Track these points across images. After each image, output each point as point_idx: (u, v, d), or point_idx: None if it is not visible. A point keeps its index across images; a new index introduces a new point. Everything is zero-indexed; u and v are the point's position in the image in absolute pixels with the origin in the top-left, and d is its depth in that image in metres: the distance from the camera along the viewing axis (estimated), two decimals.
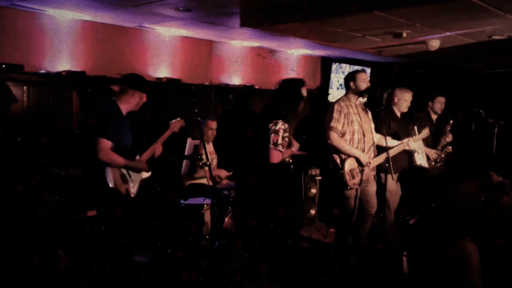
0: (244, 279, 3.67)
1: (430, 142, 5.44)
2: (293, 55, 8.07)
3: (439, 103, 5.48)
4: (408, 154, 5.22)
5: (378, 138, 4.72)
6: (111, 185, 3.55)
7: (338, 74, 8.30)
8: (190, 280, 3.84)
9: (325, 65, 8.39)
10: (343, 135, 4.48)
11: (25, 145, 4.76)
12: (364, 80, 4.55)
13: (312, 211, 6.19)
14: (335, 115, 4.46)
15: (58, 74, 5.14)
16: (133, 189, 3.76)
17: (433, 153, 5.38)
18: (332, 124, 4.44)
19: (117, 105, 3.75)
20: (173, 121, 4.27)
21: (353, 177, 4.47)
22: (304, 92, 4.13)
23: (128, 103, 3.78)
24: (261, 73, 7.46)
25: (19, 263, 1.87)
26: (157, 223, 4.28)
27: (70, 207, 4.61)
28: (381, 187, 4.95)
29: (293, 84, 4.16)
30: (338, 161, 4.50)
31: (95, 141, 3.49)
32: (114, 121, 3.61)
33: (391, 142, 4.72)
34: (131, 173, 3.75)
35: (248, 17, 5.09)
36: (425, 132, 5.05)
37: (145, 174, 3.92)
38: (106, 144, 3.50)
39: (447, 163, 5.59)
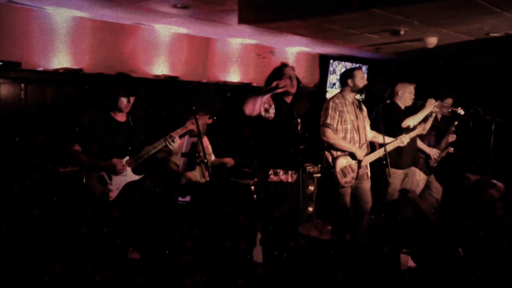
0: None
1: (431, 142, 5.44)
2: (292, 53, 8.07)
3: (447, 104, 5.46)
4: (414, 148, 5.21)
5: (374, 135, 4.73)
6: (86, 185, 3.65)
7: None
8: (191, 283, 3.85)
9: (323, 62, 8.39)
10: (336, 132, 4.48)
11: (23, 143, 4.76)
12: (362, 78, 4.54)
13: (310, 209, 6.20)
14: (330, 112, 4.45)
15: (56, 71, 5.14)
16: (113, 192, 3.68)
17: (434, 152, 5.36)
18: (328, 121, 4.43)
19: (105, 108, 3.74)
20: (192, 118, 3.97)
21: (345, 176, 4.46)
22: (288, 71, 4.04)
23: (116, 104, 3.72)
24: (259, 71, 7.46)
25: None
26: (153, 222, 4.24)
27: (68, 204, 4.63)
28: (383, 183, 4.98)
29: (276, 67, 4.13)
30: (330, 159, 4.49)
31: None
32: (86, 124, 3.66)
33: (386, 139, 4.72)
34: (113, 176, 3.69)
35: (246, 14, 5.09)
36: (421, 128, 5.03)
37: (132, 177, 3.79)
38: (71, 145, 3.65)
39: (448, 161, 5.59)
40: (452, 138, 5.47)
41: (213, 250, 4.25)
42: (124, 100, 3.66)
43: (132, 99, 3.71)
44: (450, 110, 5.28)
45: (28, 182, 4.59)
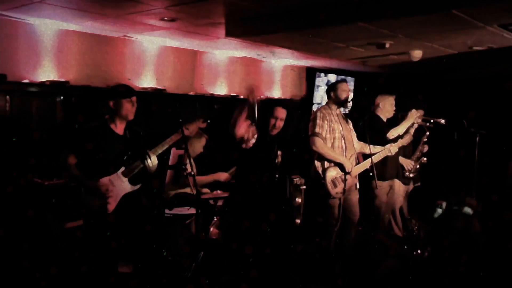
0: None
1: (407, 152, 5.48)
2: (279, 65, 8.12)
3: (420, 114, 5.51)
4: (397, 159, 5.25)
5: (361, 146, 4.76)
6: (84, 198, 3.63)
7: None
8: None
9: (310, 75, 8.45)
10: (325, 141, 4.50)
11: (8, 155, 4.72)
12: (344, 90, 4.59)
13: (298, 221, 6.19)
14: (319, 121, 4.48)
15: (42, 84, 5.11)
16: (111, 205, 3.65)
17: (408, 163, 5.40)
18: (317, 130, 4.47)
19: (104, 121, 3.74)
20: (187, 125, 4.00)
21: (335, 186, 4.48)
22: (278, 113, 4.11)
23: (116, 115, 3.73)
24: (246, 83, 7.48)
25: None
26: (142, 233, 4.22)
27: (54, 217, 4.59)
28: (370, 196, 5.01)
29: (269, 105, 4.21)
30: (320, 170, 4.51)
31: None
32: (83, 137, 3.64)
33: (373, 148, 4.75)
34: (110, 188, 3.66)
35: (233, 27, 5.12)
36: (407, 137, 5.07)
37: (129, 188, 3.76)
38: (68, 158, 3.61)
39: (423, 174, 5.64)
40: (424, 148, 5.52)
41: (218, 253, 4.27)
42: (128, 104, 3.68)
43: (135, 102, 3.73)
44: (432, 120, 5.34)
45: (10, 195, 4.54)
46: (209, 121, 4.11)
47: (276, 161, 4.06)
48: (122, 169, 3.73)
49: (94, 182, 3.61)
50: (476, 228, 3.29)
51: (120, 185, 3.71)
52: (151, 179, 4.00)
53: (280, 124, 4.10)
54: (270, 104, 4.18)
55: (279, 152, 4.09)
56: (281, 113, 4.13)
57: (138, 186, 3.82)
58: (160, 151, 3.84)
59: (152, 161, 3.77)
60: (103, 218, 3.63)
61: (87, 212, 3.66)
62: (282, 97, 8.19)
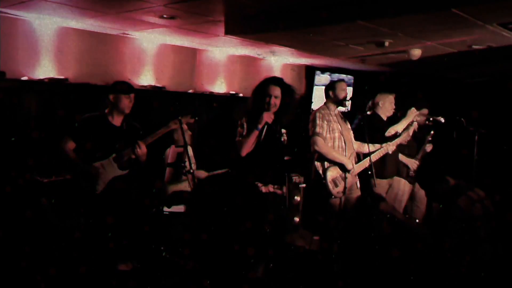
0: None
1: (411, 152, 5.47)
2: (278, 64, 8.11)
3: (423, 115, 5.49)
4: (397, 157, 5.24)
5: (358, 145, 4.76)
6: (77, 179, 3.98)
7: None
8: None
9: (310, 73, 8.44)
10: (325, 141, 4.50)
11: (7, 153, 4.71)
12: (342, 89, 4.59)
13: (297, 219, 6.19)
14: (319, 121, 4.48)
15: (41, 81, 5.10)
16: (100, 186, 3.96)
17: (412, 163, 5.39)
18: (318, 130, 4.46)
19: (103, 113, 4.06)
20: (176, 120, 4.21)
21: (336, 186, 4.49)
22: (272, 91, 3.93)
23: (114, 109, 4.05)
24: (246, 81, 7.48)
25: None
26: (141, 231, 4.26)
27: (54, 214, 4.59)
28: (369, 195, 4.99)
29: (261, 83, 4.05)
30: (321, 170, 4.51)
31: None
32: (83, 125, 3.98)
33: (371, 147, 4.75)
34: (102, 171, 3.98)
35: (233, 25, 5.12)
36: (405, 135, 5.07)
37: (118, 172, 4.04)
38: (68, 143, 3.95)
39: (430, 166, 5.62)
40: (428, 147, 5.51)
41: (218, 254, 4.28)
42: (126, 100, 4.03)
43: (132, 98, 4.06)
44: (431, 119, 5.33)
45: (10, 193, 4.55)
46: (197, 117, 4.27)
47: (282, 139, 3.97)
48: (114, 155, 4.04)
49: (87, 166, 3.94)
50: (478, 212, 3.30)
51: (110, 169, 4.02)
52: (141, 166, 4.21)
53: (276, 101, 3.94)
54: (264, 83, 4.02)
55: (283, 131, 3.97)
56: (276, 90, 3.96)
57: (126, 172, 4.12)
58: (150, 141, 4.11)
59: (142, 149, 4.03)
60: (93, 198, 3.94)
61: (78, 193, 3.98)
62: None
